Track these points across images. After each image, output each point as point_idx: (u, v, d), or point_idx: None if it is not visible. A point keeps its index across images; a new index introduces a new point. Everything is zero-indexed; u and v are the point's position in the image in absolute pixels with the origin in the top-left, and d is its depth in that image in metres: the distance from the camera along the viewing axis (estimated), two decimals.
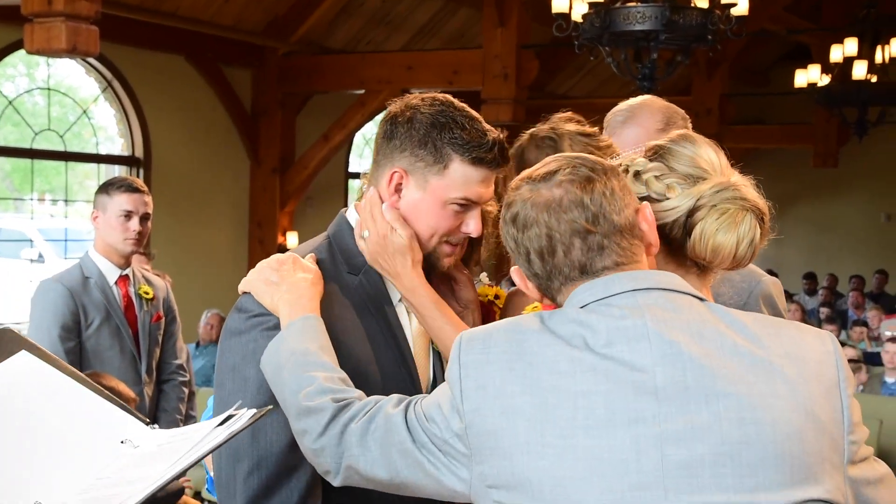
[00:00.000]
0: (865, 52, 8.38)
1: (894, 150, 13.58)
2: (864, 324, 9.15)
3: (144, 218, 3.77)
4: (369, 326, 1.69)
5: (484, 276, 2.37)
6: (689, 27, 5.83)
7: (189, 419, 4.16)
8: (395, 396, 1.47)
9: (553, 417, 1.27)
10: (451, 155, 1.66)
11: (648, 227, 1.40)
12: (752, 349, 1.30)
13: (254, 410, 1.38)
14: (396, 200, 1.70)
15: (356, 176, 10.98)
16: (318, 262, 1.70)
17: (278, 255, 1.69)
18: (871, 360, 7.66)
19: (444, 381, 1.77)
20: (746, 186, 1.48)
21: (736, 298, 1.95)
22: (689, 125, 2.37)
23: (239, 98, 9.29)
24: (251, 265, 1.69)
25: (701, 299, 1.36)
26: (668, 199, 1.47)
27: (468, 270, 2.32)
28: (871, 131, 9.09)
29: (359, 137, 10.94)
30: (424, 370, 1.76)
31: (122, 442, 1.41)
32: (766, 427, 1.25)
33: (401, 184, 1.69)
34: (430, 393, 1.50)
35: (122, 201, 3.72)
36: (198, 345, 7.13)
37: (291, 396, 1.49)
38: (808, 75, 8.64)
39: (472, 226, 1.72)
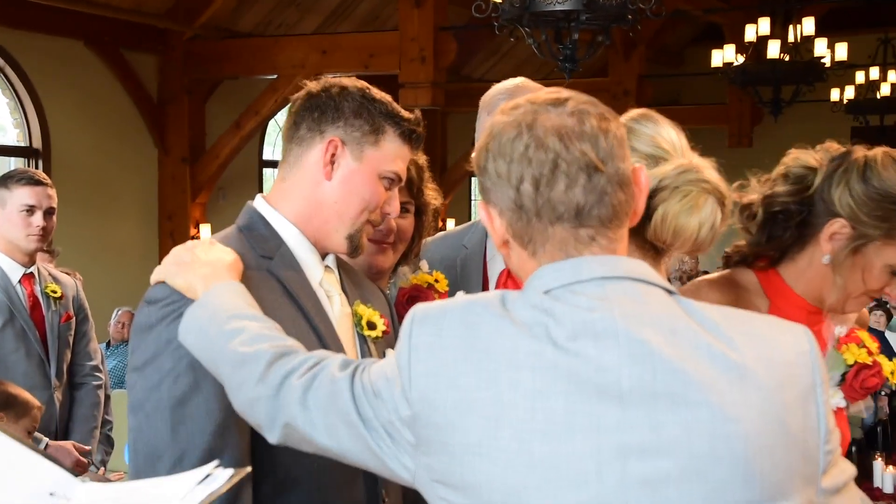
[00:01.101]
0: (778, 31, 8.53)
1: (806, 129, 13.79)
2: None
3: (49, 212, 3.60)
4: (288, 310, 1.64)
5: (424, 263, 2.36)
6: (610, 7, 5.83)
7: (105, 424, 3.97)
8: (340, 357, 1.36)
9: (509, 417, 1.16)
10: (385, 127, 1.69)
11: (640, 191, 1.29)
12: (726, 352, 1.19)
13: (231, 470, 1.22)
14: (330, 171, 1.68)
15: (271, 164, 10.68)
16: None
17: (193, 241, 1.61)
18: None
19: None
20: (708, 169, 1.46)
21: None
22: None
23: (143, 85, 8.93)
24: (162, 260, 1.60)
25: (670, 292, 1.25)
26: None
27: (410, 262, 2.27)
28: (785, 110, 9.26)
29: (272, 124, 10.64)
30: (351, 353, 1.73)
31: (50, 494, 1.23)
32: (738, 442, 1.15)
33: (335, 154, 1.68)
34: None
35: (23, 195, 3.54)
36: (108, 345, 6.84)
37: (222, 351, 1.37)
38: (724, 55, 8.75)
39: (394, 205, 1.75)
